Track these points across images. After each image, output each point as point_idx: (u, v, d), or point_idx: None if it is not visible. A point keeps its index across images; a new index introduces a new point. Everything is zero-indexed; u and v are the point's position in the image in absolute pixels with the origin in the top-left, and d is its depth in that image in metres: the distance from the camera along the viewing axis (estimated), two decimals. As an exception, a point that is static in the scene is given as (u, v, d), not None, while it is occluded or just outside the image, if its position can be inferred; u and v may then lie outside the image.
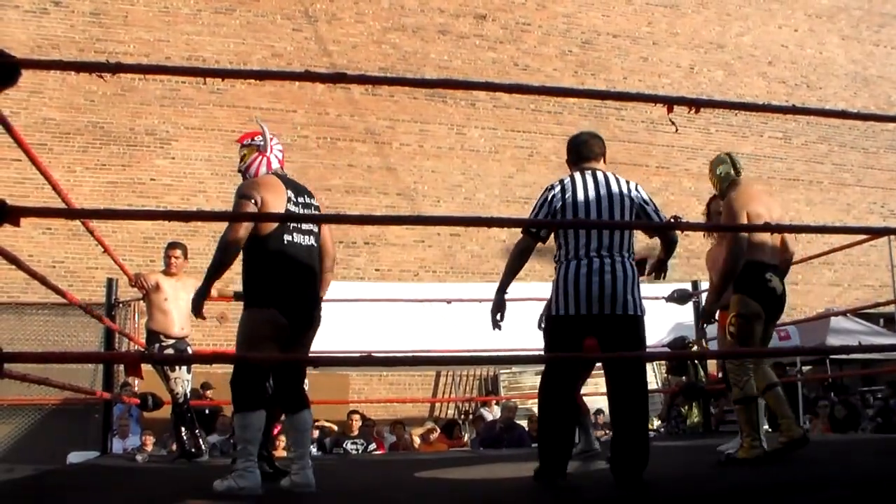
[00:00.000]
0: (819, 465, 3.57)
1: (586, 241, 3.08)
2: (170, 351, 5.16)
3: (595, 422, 7.53)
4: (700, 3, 13.87)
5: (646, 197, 3.24)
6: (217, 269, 3.17)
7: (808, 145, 13.84)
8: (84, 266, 10.02)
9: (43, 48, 10.61)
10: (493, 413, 9.23)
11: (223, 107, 11.06)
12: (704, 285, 5.94)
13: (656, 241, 3.43)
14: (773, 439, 3.89)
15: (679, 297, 5.82)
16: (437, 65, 12.05)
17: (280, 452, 6.16)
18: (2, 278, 9.43)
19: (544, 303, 3.80)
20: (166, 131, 10.91)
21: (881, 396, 9.77)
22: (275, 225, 3.20)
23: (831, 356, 10.50)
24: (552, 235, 3.23)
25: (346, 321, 6.62)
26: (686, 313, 6.78)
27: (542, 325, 3.92)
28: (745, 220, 3.63)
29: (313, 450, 4.57)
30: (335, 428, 8.31)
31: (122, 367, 7.42)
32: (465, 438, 8.82)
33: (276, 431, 5.79)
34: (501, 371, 10.66)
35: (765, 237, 3.69)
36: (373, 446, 7.66)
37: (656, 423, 8.68)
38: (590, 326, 3.04)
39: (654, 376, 9.93)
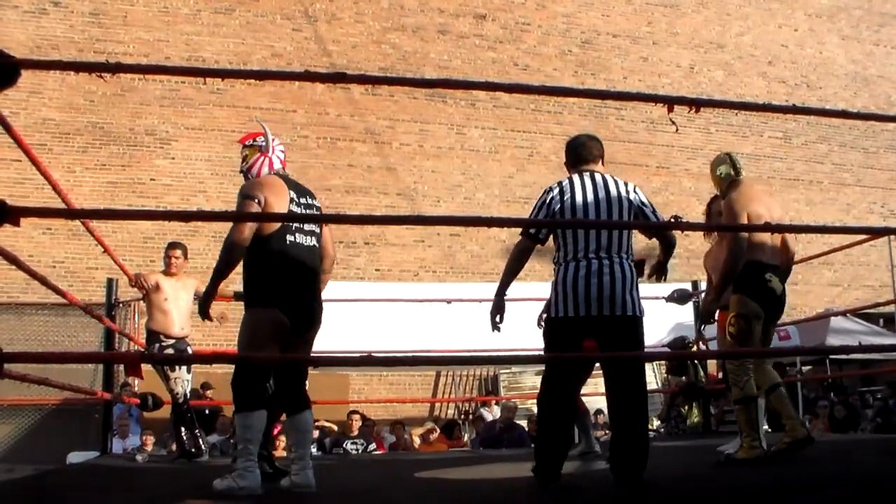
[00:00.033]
0: (819, 465, 3.57)
1: (585, 242, 3.09)
2: (170, 351, 5.16)
3: (595, 422, 7.53)
4: (700, 3, 13.87)
5: (644, 199, 3.24)
6: (223, 269, 3.17)
7: (808, 145, 13.84)
8: (84, 266, 10.02)
9: (42, 48, 10.61)
10: (492, 413, 9.23)
11: (223, 107, 11.06)
12: (704, 285, 5.94)
13: (655, 242, 3.44)
14: (772, 439, 3.90)
15: (679, 297, 5.82)
16: (437, 65, 12.05)
17: (280, 452, 6.16)
18: (2, 278, 9.43)
19: (544, 303, 3.81)
20: (166, 131, 10.91)
21: (881, 397, 9.77)
22: (278, 225, 3.21)
23: (831, 356, 10.50)
24: (551, 237, 3.24)
25: (346, 321, 6.62)
26: (686, 313, 6.79)
27: (541, 324, 3.93)
28: (745, 221, 3.63)
29: (313, 450, 4.56)
30: (335, 428, 8.31)
31: (122, 368, 7.43)
32: (465, 438, 8.82)
33: (276, 432, 5.80)
34: (501, 371, 10.66)
35: (765, 237, 3.69)
36: (373, 446, 7.66)
37: (656, 423, 8.68)
38: (589, 328, 3.04)
39: (654, 376, 9.93)
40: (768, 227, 3.45)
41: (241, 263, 3.25)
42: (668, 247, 3.39)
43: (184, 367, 5.21)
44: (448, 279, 11.21)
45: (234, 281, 3.23)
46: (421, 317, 7.63)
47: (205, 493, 3.12)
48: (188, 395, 5.30)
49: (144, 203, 10.35)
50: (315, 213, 3.45)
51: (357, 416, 8.13)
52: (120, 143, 10.73)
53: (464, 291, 7.43)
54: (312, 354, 3.58)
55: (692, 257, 10.88)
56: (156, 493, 3.60)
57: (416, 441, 8.11)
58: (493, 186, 11.98)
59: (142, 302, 5.58)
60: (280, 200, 3.19)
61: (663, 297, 5.71)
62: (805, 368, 11.50)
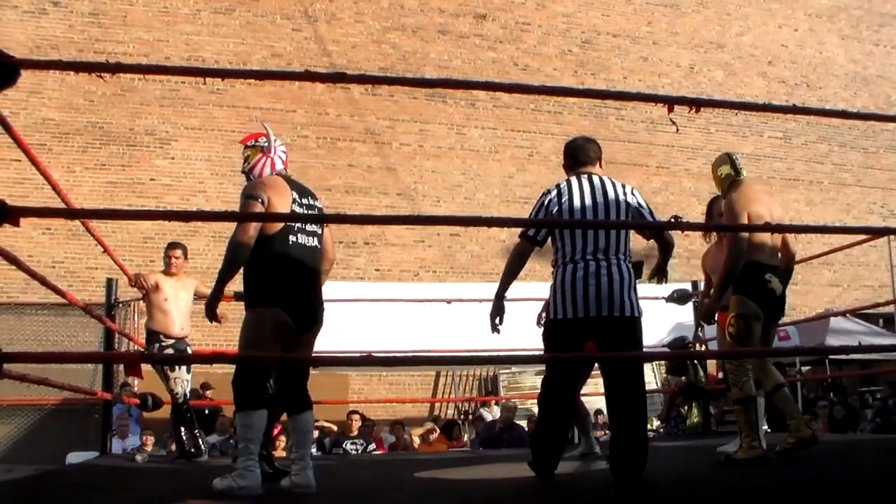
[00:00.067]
0: (819, 465, 3.57)
1: (582, 244, 3.10)
2: (169, 351, 5.16)
3: (595, 422, 7.54)
4: (700, 3, 13.87)
5: (641, 201, 3.26)
6: (229, 270, 3.16)
7: (808, 145, 13.84)
8: (84, 266, 10.02)
9: (42, 48, 10.61)
10: (492, 413, 9.23)
11: (223, 107, 11.06)
12: (703, 286, 5.94)
13: (653, 243, 3.44)
14: (772, 440, 3.89)
15: (679, 298, 5.82)
16: (437, 65, 12.05)
17: (280, 452, 6.16)
18: (1, 278, 9.43)
19: (543, 302, 3.81)
20: (166, 131, 10.91)
21: (880, 397, 9.78)
22: (280, 226, 3.21)
23: (830, 356, 10.50)
24: (549, 240, 3.24)
25: (346, 321, 6.62)
26: (686, 313, 6.79)
27: (541, 323, 3.93)
28: (745, 221, 3.62)
29: (312, 450, 4.56)
30: (335, 428, 8.31)
31: (121, 368, 7.43)
32: (465, 439, 8.82)
33: (275, 432, 5.80)
34: (501, 371, 10.66)
35: (765, 238, 3.69)
36: (372, 446, 7.66)
37: (656, 423, 8.68)
38: (588, 329, 3.06)
39: (654, 376, 9.93)
40: (768, 228, 3.46)
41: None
42: (666, 248, 3.39)
43: (183, 368, 5.20)
44: (448, 279, 11.21)
45: (234, 281, 3.22)
46: (421, 317, 7.64)
47: (205, 493, 3.12)
48: (188, 395, 5.30)
49: (144, 203, 10.35)
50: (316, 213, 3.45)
51: (357, 417, 8.13)
52: (120, 143, 10.73)
53: (464, 291, 7.43)
54: (312, 354, 3.57)
55: (692, 257, 10.87)
56: (155, 493, 3.60)
57: (416, 441, 8.11)
58: (493, 186, 11.98)
59: (141, 302, 5.57)
60: (283, 201, 3.19)
61: (663, 298, 5.71)
62: (804, 369, 11.51)
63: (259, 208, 3.12)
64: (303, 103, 11.42)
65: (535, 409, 3.49)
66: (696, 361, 7.06)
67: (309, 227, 3.31)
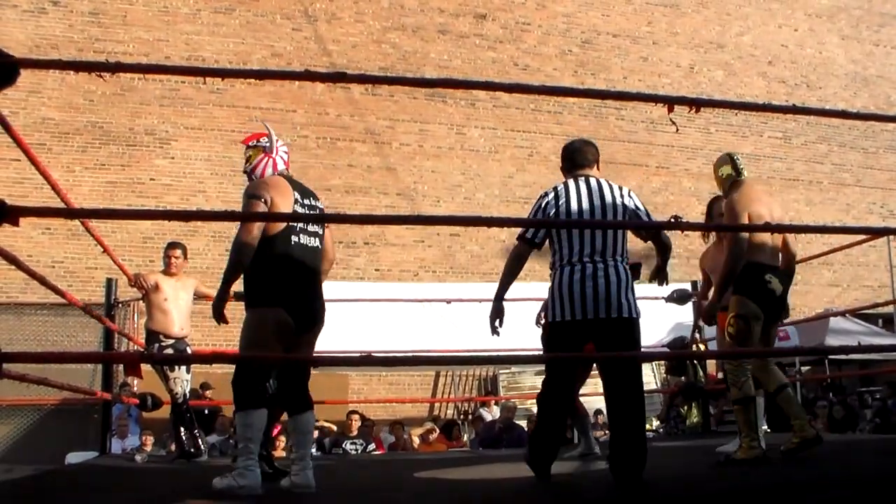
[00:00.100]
0: (819, 465, 3.57)
1: (580, 246, 3.11)
2: (169, 351, 5.15)
3: (595, 422, 7.53)
4: (700, 3, 13.88)
5: (638, 203, 3.26)
6: (233, 271, 3.16)
7: (807, 145, 13.84)
8: (83, 266, 10.02)
9: (42, 48, 10.61)
10: (492, 413, 9.23)
11: (223, 107, 11.06)
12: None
13: (651, 245, 3.44)
14: (772, 440, 3.89)
15: (679, 298, 5.81)
16: (437, 64, 12.05)
17: (280, 452, 6.16)
18: (1, 278, 9.42)
19: (542, 302, 3.81)
20: (166, 131, 10.91)
21: (879, 397, 9.78)
22: (283, 226, 3.21)
23: (830, 356, 10.50)
24: (547, 242, 3.25)
25: (346, 321, 6.61)
26: (686, 313, 6.79)
27: (540, 323, 3.93)
28: (746, 222, 3.63)
29: (312, 450, 4.56)
30: (334, 428, 8.31)
31: (121, 368, 7.42)
32: (465, 439, 8.82)
33: (275, 432, 5.79)
34: (501, 371, 10.66)
35: (765, 238, 3.69)
36: (372, 446, 7.66)
37: (655, 423, 8.68)
38: (586, 331, 3.07)
39: (654, 376, 9.93)
40: (768, 228, 3.46)
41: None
42: (664, 249, 3.40)
43: (183, 367, 5.20)
44: (448, 279, 11.21)
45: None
46: (421, 317, 7.64)
47: (204, 493, 3.12)
48: (187, 395, 5.30)
49: (144, 203, 10.35)
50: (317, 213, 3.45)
51: (356, 417, 8.12)
52: (119, 142, 10.73)
53: (463, 291, 7.43)
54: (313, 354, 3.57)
55: (692, 257, 10.85)
56: (155, 493, 3.60)
57: (416, 441, 8.11)
58: (493, 186, 11.98)
59: (141, 302, 5.57)
60: (285, 201, 3.19)
61: (663, 298, 5.71)
62: (804, 369, 11.51)
63: (262, 208, 3.12)
64: (303, 103, 11.42)
65: (535, 409, 3.49)
66: (695, 361, 7.06)
67: (310, 228, 3.31)
